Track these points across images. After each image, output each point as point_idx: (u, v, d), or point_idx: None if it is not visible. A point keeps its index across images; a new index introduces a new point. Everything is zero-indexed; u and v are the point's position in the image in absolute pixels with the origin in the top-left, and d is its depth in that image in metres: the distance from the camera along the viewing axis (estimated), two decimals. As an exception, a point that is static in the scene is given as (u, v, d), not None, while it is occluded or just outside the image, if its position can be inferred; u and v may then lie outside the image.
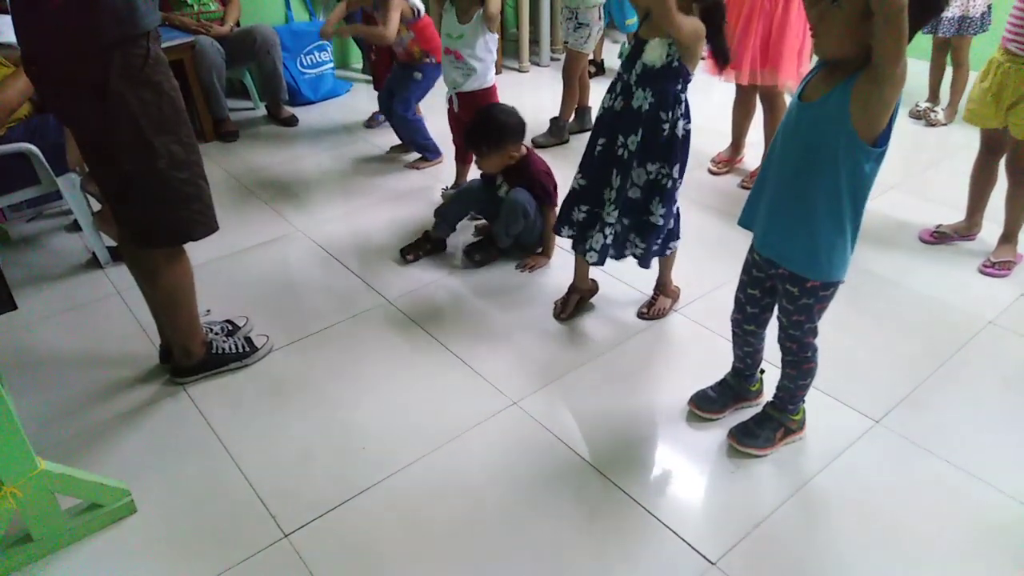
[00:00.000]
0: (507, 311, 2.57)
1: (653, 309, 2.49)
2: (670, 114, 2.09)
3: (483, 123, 2.72)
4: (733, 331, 1.96)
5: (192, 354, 2.20)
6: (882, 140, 1.46)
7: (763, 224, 1.70)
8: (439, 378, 2.24)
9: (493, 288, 2.70)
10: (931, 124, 4.06)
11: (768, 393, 2.01)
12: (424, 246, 2.89)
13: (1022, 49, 2.45)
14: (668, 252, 2.39)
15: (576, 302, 2.51)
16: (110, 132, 1.78)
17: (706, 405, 2.05)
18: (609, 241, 2.26)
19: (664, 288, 2.51)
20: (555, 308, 2.52)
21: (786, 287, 1.71)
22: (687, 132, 2.15)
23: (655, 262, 2.38)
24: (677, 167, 2.17)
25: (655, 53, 2.03)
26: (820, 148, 1.51)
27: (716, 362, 2.14)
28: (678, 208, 2.32)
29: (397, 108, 3.49)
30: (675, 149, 2.13)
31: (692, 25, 1.95)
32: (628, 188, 2.20)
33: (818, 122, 1.50)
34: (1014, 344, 2.35)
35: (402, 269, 2.83)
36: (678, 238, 2.37)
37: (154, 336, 2.34)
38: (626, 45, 2.14)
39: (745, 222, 1.78)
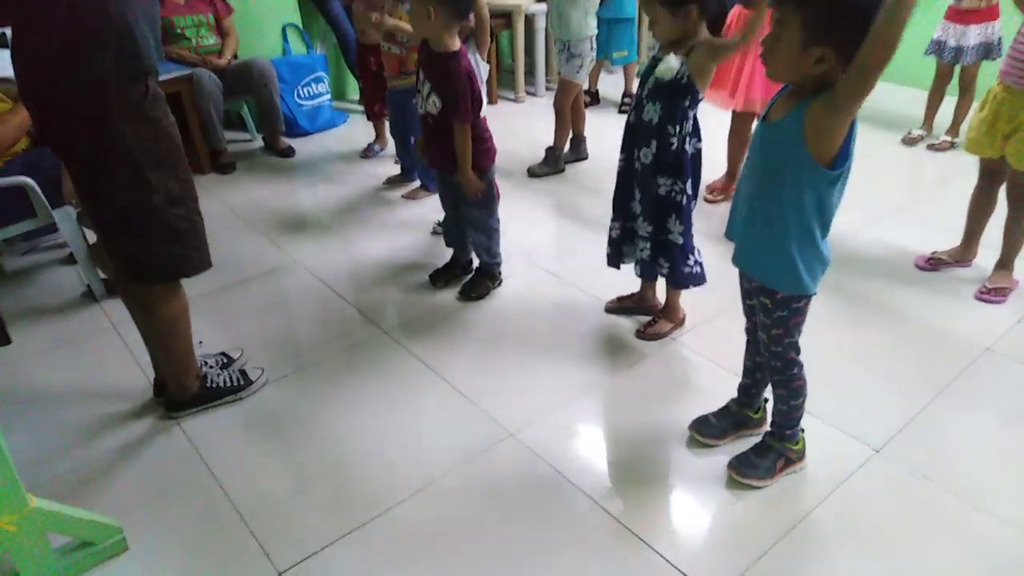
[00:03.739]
0: (503, 341, 2.56)
1: (650, 330, 2.49)
2: (678, 128, 2.17)
3: None
4: (747, 339, 1.98)
5: (186, 388, 2.18)
6: (839, 163, 1.52)
7: (738, 238, 1.77)
8: (436, 410, 2.23)
9: (489, 318, 2.69)
10: (939, 149, 3.94)
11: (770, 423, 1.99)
12: (454, 271, 2.92)
13: (1019, 83, 2.47)
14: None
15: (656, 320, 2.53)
16: (107, 166, 1.78)
17: (706, 430, 2.05)
18: (647, 256, 2.36)
19: (669, 312, 2.51)
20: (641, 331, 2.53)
21: (761, 300, 1.75)
22: (697, 151, 2.23)
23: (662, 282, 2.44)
24: (689, 183, 2.23)
25: (666, 67, 2.12)
26: (780, 168, 1.58)
27: (714, 391, 2.13)
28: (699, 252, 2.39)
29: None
30: (684, 164, 2.21)
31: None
32: (652, 198, 2.28)
33: (776, 143, 1.59)
34: (1012, 371, 2.34)
35: (398, 300, 2.82)
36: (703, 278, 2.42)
37: (148, 370, 2.32)
38: (645, 62, 2.25)
39: (729, 234, 1.84)
